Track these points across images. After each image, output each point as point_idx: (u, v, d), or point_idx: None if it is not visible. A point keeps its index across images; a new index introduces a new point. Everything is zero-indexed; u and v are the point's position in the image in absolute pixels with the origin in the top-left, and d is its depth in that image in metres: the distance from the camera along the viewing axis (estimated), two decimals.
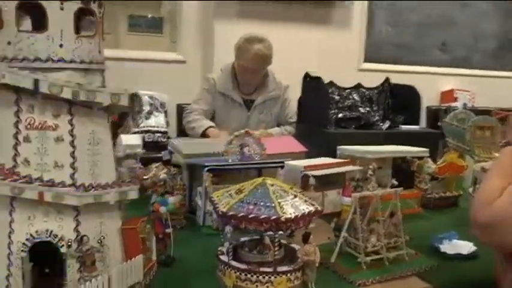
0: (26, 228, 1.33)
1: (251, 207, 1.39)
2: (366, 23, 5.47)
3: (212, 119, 3.30)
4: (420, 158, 2.33)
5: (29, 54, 1.30)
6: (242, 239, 1.56)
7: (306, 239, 1.44)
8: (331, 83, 2.77)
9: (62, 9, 1.31)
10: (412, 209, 2.25)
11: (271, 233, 1.37)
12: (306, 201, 1.45)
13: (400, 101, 2.83)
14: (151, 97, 3.98)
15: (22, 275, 1.32)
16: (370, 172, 2.08)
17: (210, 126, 3.18)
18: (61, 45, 1.32)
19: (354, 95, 2.76)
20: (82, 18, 1.41)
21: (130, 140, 2.45)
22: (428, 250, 1.79)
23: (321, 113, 2.53)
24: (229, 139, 1.97)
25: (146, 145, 3.05)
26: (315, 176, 2.01)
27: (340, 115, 2.61)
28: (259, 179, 1.50)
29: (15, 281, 1.33)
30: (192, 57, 5.06)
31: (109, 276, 1.35)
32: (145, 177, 2.20)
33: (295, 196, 1.46)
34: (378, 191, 1.71)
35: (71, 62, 1.34)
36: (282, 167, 2.01)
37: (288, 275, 1.41)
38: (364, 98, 2.77)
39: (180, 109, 4.88)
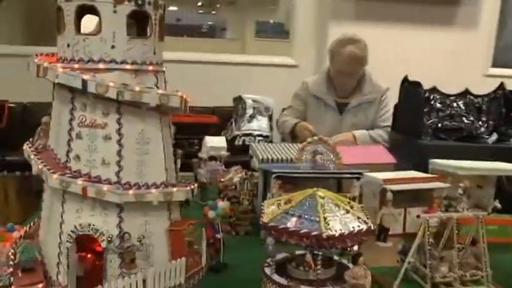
0: (73, 220, 1.38)
1: (294, 219, 1.28)
2: (497, 23, 4.90)
3: None
4: None
5: (84, 56, 1.35)
6: (298, 252, 1.45)
7: (355, 260, 1.28)
8: (434, 89, 2.50)
9: (115, 12, 1.33)
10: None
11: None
12: (359, 218, 1.30)
13: None
14: (255, 100, 3.99)
15: (67, 263, 1.36)
16: (459, 191, 1.82)
17: (299, 122, 3.09)
18: (113, 47, 1.35)
19: (460, 102, 2.46)
20: (144, 20, 1.43)
21: (215, 142, 2.47)
22: None
23: (415, 122, 2.29)
24: (302, 146, 1.85)
25: (246, 149, 3.05)
26: (393, 191, 1.80)
27: (439, 125, 2.33)
28: (310, 190, 1.37)
29: (64, 268, 1.38)
30: (305, 60, 4.98)
31: (144, 275, 1.34)
32: (221, 180, 2.19)
33: (348, 211, 1.31)
34: (453, 213, 1.47)
35: (122, 63, 1.36)
36: (358, 178, 1.84)
37: None
38: (472, 107, 2.46)
39: None
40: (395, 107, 2.55)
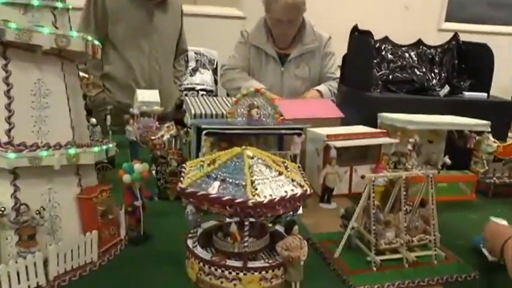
0: None
1: (217, 184, 1.09)
2: None
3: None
4: (480, 134, 1.87)
5: None
6: (228, 220, 1.27)
7: (288, 229, 1.12)
8: (386, 39, 2.32)
9: None
10: (462, 195, 1.82)
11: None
12: (293, 180, 1.12)
13: (471, 63, 2.32)
14: (197, 53, 3.71)
15: None
16: (409, 147, 1.68)
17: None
18: None
19: (412, 53, 2.30)
20: None
21: (147, 96, 2.22)
22: (469, 253, 1.39)
23: (364, 73, 2.12)
24: (235, 98, 1.65)
25: None
26: (336, 148, 1.64)
27: (390, 77, 2.17)
28: (237, 149, 1.18)
29: None
30: (254, 13, 4.70)
31: (45, 254, 1.14)
32: (152, 137, 1.97)
33: (280, 173, 1.13)
34: (400, 172, 1.31)
35: None
36: (299, 134, 1.66)
37: (263, 272, 1.10)
38: (424, 58, 2.31)
39: None
40: (344, 58, 2.37)
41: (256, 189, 1.05)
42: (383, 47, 2.26)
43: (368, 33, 2.13)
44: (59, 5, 1.19)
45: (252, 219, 1.12)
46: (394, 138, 1.81)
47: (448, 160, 1.94)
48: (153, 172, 1.74)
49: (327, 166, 1.65)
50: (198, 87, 3.52)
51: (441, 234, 1.36)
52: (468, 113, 2.05)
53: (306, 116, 1.94)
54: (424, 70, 2.24)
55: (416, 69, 2.22)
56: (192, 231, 1.18)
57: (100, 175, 1.70)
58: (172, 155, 1.69)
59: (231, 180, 1.09)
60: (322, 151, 1.72)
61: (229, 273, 1.10)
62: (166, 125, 2.04)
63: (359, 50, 2.14)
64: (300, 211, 1.60)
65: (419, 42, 2.35)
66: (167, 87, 3.03)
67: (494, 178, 1.87)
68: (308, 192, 1.10)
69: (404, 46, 2.34)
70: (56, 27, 1.18)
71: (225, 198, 1.04)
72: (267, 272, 1.11)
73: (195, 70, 3.63)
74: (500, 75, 2.34)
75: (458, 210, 1.74)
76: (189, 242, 1.18)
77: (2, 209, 1.13)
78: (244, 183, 1.06)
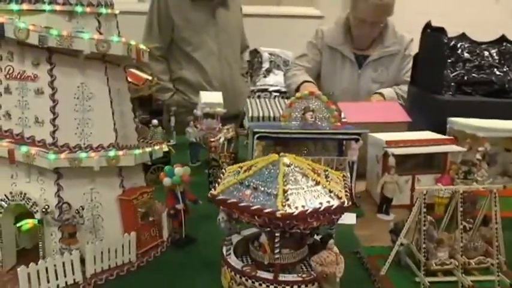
0: (7, 188, 1.20)
1: (248, 192, 1.04)
2: None
3: (318, 78, 2.87)
4: None
5: None
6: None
7: (323, 243, 1.04)
8: (463, 36, 2.13)
9: None
10: None
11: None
12: (331, 191, 1.04)
13: None
14: (272, 54, 3.66)
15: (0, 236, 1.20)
16: (477, 156, 1.52)
17: (306, 81, 2.74)
18: None
19: (493, 51, 2.09)
20: None
21: (210, 97, 2.22)
22: None
23: (435, 74, 1.95)
24: (289, 101, 1.59)
25: None
26: (395, 155, 1.52)
27: (465, 78, 1.99)
28: (275, 156, 1.12)
29: None
30: (332, 12, 4.58)
31: (82, 253, 1.16)
32: (211, 139, 1.96)
33: (318, 183, 1.06)
34: (460, 186, 1.18)
35: (51, 3, 1.13)
36: (357, 140, 1.56)
37: (295, 287, 1.04)
38: (508, 56, 2.08)
39: None
40: (415, 57, 2.21)
41: (288, 199, 0.99)
42: (459, 45, 2.08)
43: (441, 30, 1.97)
44: (104, 11, 1.21)
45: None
46: (463, 145, 1.64)
47: None
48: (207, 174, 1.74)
49: (385, 174, 1.54)
50: (271, 88, 3.47)
51: (509, 257, 1.21)
52: None
53: (370, 120, 1.84)
54: (505, 70, 2.02)
55: (496, 69, 2.01)
56: (226, 238, 1.14)
57: (155, 176, 1.73)
58: (225, 158, 1.66)
59: (263, 189, 1.03)
60: (382, 158, 1.61)
61: (260, 285, 1.05)
62: (226, 127, 2.03)
63: (430, 48, 1.98)
64: (354, 221, 1.52)
65: (503, 39, 2.13)
66: (238, 85, 3.03)
67: None
68: (346, 204, 1.01)
69: (484, 43, 2.13)
70: (100, 33, 1.20)
71: (253, 208, 0.99)
72: (299, 286, 1.04)
73: (268, 71, 3.59)
74: None
75: None
76: (224, 249, 1.15)
77: (46, 206, 1.16)
78: (275, 193, 1.01)
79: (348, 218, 1.52)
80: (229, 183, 1.09)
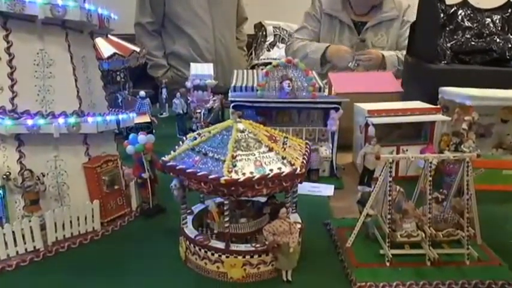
0: None
1: (197, 158, 1.01)
2: None
3: None
4: None
5: None
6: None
7: (274, 213, 1.01)
8: (465, 3, 2.02)
9: None
10: None
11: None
12: (284, 158, 1.00)
13: None
14: (277, 27, 3.58)
15: None
16: (464, 126, 1.45)
17: (329, 45, 2.72)
18: None
19: (496, 18, 1.97)
20: None
21: (201, 68, 2.19)
22: None
23: (429, 42, 1.86)
24: (265, 70, 1.54)
25: None
26: (375, 125, 1.46)
27: (463, 46, 1.89)
28: (230, 121, 1.09)
29: None
30: None
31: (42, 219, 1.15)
32: (197, 111, 1.94)
33: (271, 150, 1.01)
34: (429, 155, 1.12)
35: None
36: (336, 109, 1.51)
37: (247, 256, 1.01)
38: (511, 23, 1.97)
39: None
40: (412, 25, 2.11)
41: (235, 165, 0.95)
42: (459, 12, 1.97)
43: None
44: None
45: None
46: (452, 115, 1.57)
47: None
48: None
49: (366, 145, 1.48)
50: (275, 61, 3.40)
51: (491, 231, 1.16)
52: None
53: (359, 90, 1.77)
54: (508, 37, 1.91)
55: (497, 37, 1.90)
56: (182, 206, 1.11)
57: None
58: (201, 128, 1.63)
59: (212, 155, 1.00)
60: (364, 128, 1.55)
61: (212, 254, 1.02)
62: (214, 98, 2.00)
63: (426, 16, 1.88)
64: (331, 193, 1.48)
65: (508, 5, 2.01)
66: (235, 57, 2.98)
67: None
68: (298, 171, 0.97)
69: (488, 10, 2.02)
70: None
71: (199, 174, 0.95)
72: (252, 256, 1.01)
73: (273, 45, 3.52)
74: None
75: None
76: (184, 219, 1.12)
77: (8, 173, 1.16)
78: (224, 159, 0.97)
79: (326, 190, 1.47)
80: (182, 149, 1.06)
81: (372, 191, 1.13)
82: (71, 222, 1.20)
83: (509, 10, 2.01)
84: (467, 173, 1.10)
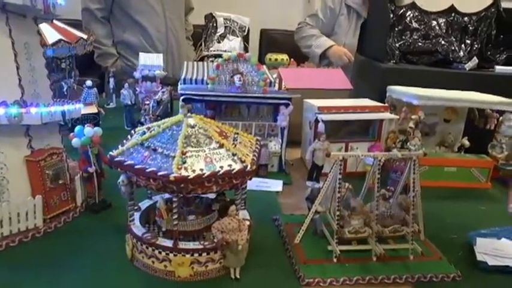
0: None
1: (146, 154, 0.98)
2: None
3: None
4: (503, 114, 1.63)
5: None
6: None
7: (223, 209, 1.00)
8: (413, 5, 2.08)
9: None
10: (475, 183, 1.61)
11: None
12: (234, 154, 0.99)
13: (510, 33, 2.04)
14: (227, 19, 3.55)
15: None
16: (410, 124, 1.49)
17: (333, 45, 2.84)
18: None
19: (441, 21, 2.04)
20: None
21: (150, 59, 2.14)
22: (459, 250, 1.21)
23: (379, 42, 1.91)
24: (217, 63, 1.52)
25: None
26: (325, 121, 1.48)
27: (411, 47, 1.94)
28: (180, 116, 1.06)
29: None
30: None
31: None
32: (146, 102, 1.89)
33: (221, 146, 1.00)
34: (378, 153, 1.14)
35: None
36: (287, 105, 1.51)
37: (195, 255, 0.99)
38: (456, 26, 2.04)
39: (266, 35, 4.45)
40: (363, 25, 2.15)
41: (185, 162, 0.93)
42: (408, 14, 2.02)
43: None
44: None
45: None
46: (400, 114, 1.61)
47: (466, 142, 1.72)
48: None
49: (316, 141, 1.49)
50: (225, 54, 3.37)
51: (434, 226, 1.20)
52: (498, 90, 1.79)
53: (309, 86, 1.79)
54: (451, 40, 1.98)
55: (442, 39, 1.97)
56: (129, 203, 1.08)
57: None
58: (150, 121, 1.59)
59: (161, 151, 0.97)
60: (314, 124, 1.56)
61: (159, 253, 1.00)
62: (162, 90, 1.96)
63: (376, 16, 1.93)
64: (280, 188, 1.48)
65: (452, 9, 2.08)
66: (184, 48, 2.94)
67: None
68: (248, 169, 0.96)
69: (434, 13, 2.08)
70: None
71: (148, 170, 0.93)
72: (200, 254, 0.99)
73: (223, 36, 3.48)
74: None
75: (465, 200, 1.53)
76: (131, 215, 1.09)
77: None
78: (173, 155, 0.95)
79: (275, 185, 1.48)
80: (131, 144, 1.03)
81: (321, 187, 1.14)
82: (10, 219, 1.13)
83: (453, 14, 2.09)
84: (413, 171, 1.13)
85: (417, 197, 1.15)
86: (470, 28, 2.05)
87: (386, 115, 1.56)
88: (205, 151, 0.98)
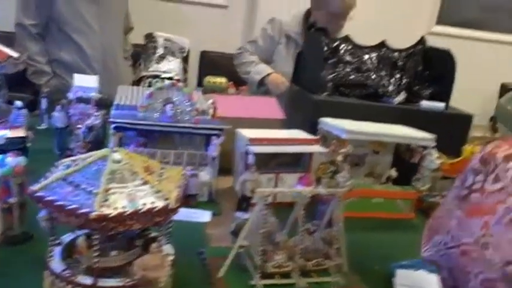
0: None
1: (69, 189, 0.96)
2: None
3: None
4: (426, 148, 1.72)
5: None
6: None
7: (146, 244, 0.99)
8: (346, 39, 2.16)
9: None
10: (400, 214, 1.69)
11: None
12: (158, 191, 0.99)
13: (433, 69, 2.17)
14: (168, 40, 3.54)
15: None
16: (339, 158, 1.54)
17: (272, 73, 2.90)
18: None
19: (373, 55, 2.14)
20: None
21: (84, 80, 2.09)
22: (380, 281, 1.26)
23: (312, 74, 1.97)
24: (150, 91, 1.52)
25: None
26: (256, 153, 1.50)
27: (343, 79, 2.02)
28: (106, 150, 1.05)
29: None
30: (236, 2, 4.62)
31: None
32: (78, 126, 1.85)
33: (146, 183, 1.00)
34: (305, 189, 1.18)
35: None
36: (218, 135, 1.53)
37: None
38: (387, 61, 2.15)
39: (206, 57, 4.49)
40: (297, 55, 2.22)
41: (107, 200, 0.92)
42: (341, 47, 2.11)
43: (322, 31, 1.98)
44: None
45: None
46: (330, 146, 1.66)
47: (394, 173, 1.80)
48: None
49: (246, 172, 1.51)
50: (164, 75, 3.35)
51: (358, 257, 1.25)
52: (424, 124, 1.89)
53: (241, 115, 1.81)
54: (382, 74, 2.08)
55: (372, 73, 2.06)
56: (50, 238, 1.05)
57: None
58: (81, 148, 1.56)
59: (84, 186, 0.96)
60: (244, 155, 1.59)
61: None
62: (96, 113, 1.92)
63: (311, 48, 1.99)
64: (208, 219, 1.49)
65: (382, 44, 2.19)
66: (123, 68, 2.91)
67: (438, 197, 1.72)
68: (170, 206, 0.96)
69: (366, 47, 2.18)
70: None
71: (69, 208, 0.91)
72: None
73: (162, 57, 3.46)
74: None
75: (390, 231, 1.61)
76: (51, 251, 1.06)
77: None
78: (96, 192, 0.93)
79: (203, 216, 1.48)
80: (54, 178, 1.00)
81: (247, 220, 1.16)
82: None
83: (383, 49, 2.20)
84: (338, 206, 1.17)
85: (340, 232, 1.19)
86: (400, 63, 2.16)
87: (316, 148, 1.61)
88: (129, 187, 0.97)
